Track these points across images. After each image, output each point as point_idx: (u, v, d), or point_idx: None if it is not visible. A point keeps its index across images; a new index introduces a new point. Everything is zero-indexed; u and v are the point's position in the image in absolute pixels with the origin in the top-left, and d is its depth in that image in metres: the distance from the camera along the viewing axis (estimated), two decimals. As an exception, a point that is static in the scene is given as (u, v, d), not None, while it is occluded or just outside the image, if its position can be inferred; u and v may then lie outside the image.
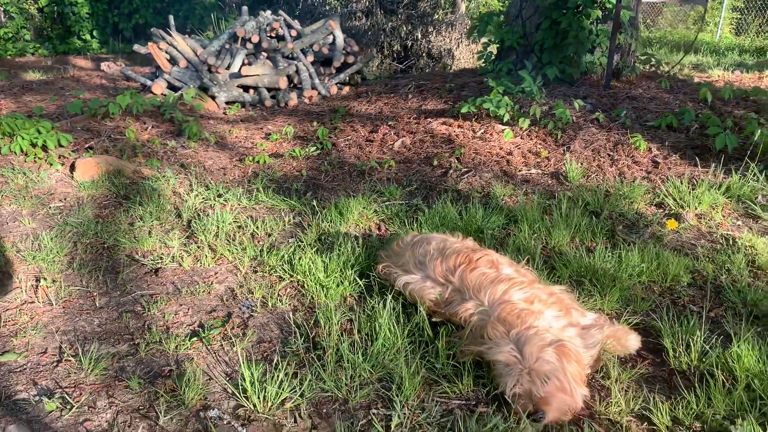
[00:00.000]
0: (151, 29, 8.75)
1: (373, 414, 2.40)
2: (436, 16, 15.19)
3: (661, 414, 2.36)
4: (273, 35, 8.74)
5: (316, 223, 4.19)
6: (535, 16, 6.94)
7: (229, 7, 17.59)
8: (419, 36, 14.27)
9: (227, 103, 8.01)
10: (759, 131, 4.93)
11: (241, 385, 2.51)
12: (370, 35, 13.38)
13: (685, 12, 24.88)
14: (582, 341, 2.67)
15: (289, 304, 3.24)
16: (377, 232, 4.16)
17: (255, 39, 8.37)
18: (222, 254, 3.77)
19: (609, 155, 5.33)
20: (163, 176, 5.05)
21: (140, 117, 6.74)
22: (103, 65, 12.61)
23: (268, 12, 9.22)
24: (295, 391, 2.50)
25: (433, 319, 2.94)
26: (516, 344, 2.50)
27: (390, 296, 3.00)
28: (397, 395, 2.47)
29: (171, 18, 9.30)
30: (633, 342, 2.80)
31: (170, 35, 8.54)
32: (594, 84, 6.76)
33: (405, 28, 14.03)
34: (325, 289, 3.27)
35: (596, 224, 4.11)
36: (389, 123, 6.38)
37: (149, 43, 8.18)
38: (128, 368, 2.70)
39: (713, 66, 12.09)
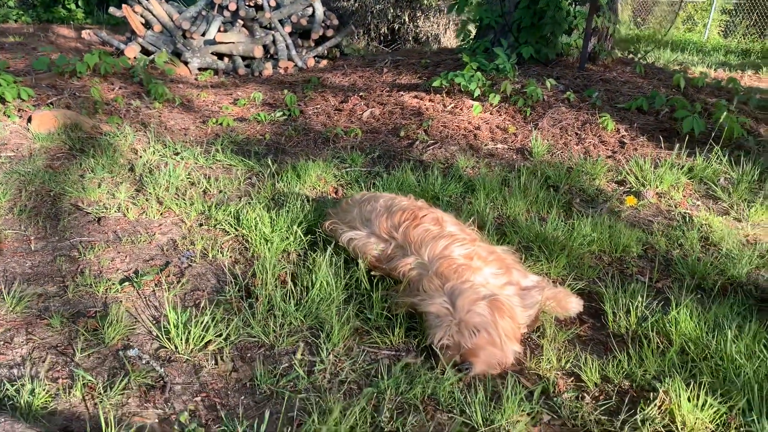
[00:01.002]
0: (127, -8, 8.56)
1: (298, 359, 2.34)
2: (426, 2, 15.05)
3: (591, 371, 2.32)
4: (251, 4, 8.59)
5: (271, 184, 4.11)
6: (514, -6, 6.86)
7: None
8: (406, 19, 14.13)
9: (200, 69, 7.87)
10: (724, 113, 4.90)
11: (165, 327, 2.44)
12: (357, 16, 13.23)
13: (674, 11, 24.93)
14: (520, 300, 2.62)
15: (231, 257, 3.16)
16: (333, 195, 4.09)
17: (232, 7, 8.23)
18: (169, 207, 3.68)
19: (576, 134, 5.29)
20: (122, 133, 4.93)
21: (109, 78, 6.60)
22: (84, 33, 12.37)
23: (249, -19, 9.05)
24: (221, 335, 2.43)
25: (373, 273, 2.88)
26: (449, 297, 2.45)
27: (330, 248, 2.94)
28: (325, 343, 2.41)
29: (149, -18, 9.10)
30: (574, 305, 2.76)
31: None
32: (569, 66, 6.71)
33: (393, 11, 13.89)
34: (268, 243, 3.20)
35: (554, 197, 4.06)
36: (360, 94, 6.29)
37: (123, 6, 8.01)
38: (53, 308, 2.61)
39: (697, 64, 12.11)
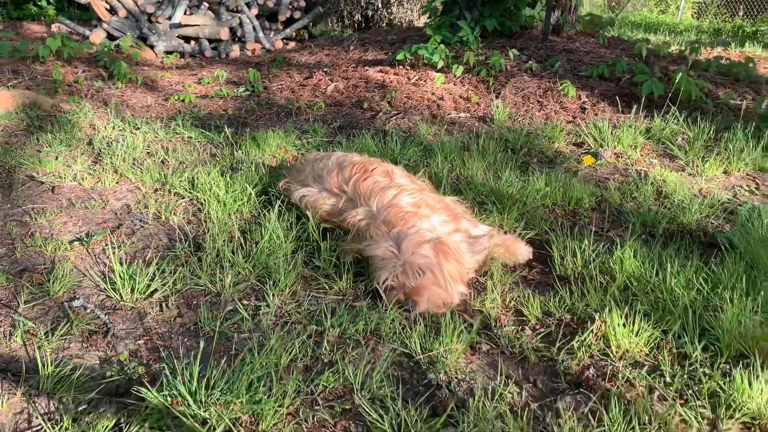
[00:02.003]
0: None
1: (243, 304, 2.35)
2: (399, -12, 15.02)
3: (533, 306, 2.36)
4: (218, -12, 8.54)
5: (230, 153, 4.10)
6: (477, -31, 6.88)
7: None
8: (380, 5, 14.10)
9: (166, 52, 7.81)
10: (680, 75, 4.97)
11: (111, 279, 2.44)
12: (330, 4, 13.18)
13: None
14: (468, 246, 2.65)
15: (184, 218, 3.16)
16: (293, 163, 4.09)
17: (198, -10, 8.18)
18: (125, 175, 3.66)
19: (538, 101, 5.33)
20: (82, 111, 4.89)
21: (73, 62, 6.55)
22: (54, 26, 12.22)
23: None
24: (167, 285, 2.44)
25: (324, 226, 2.90)
26: (395, 241, 2.47)
27: (279, 202, 2.96)
28: (272, 289, 2.42)
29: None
30: (523, 251, 2.79)
31: (111, -15, 8.27)
32: (533, 38, 6.75)
33: (366, -2, 13.83)
34: (222, 204, 3.20)
35: (512, 158, 4.10)
36: (325, 70, 6.29)
37: (87, -9, 7.93)
38: (0, 266, 2.60)
39: (673, 45, 12.20)
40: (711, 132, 4.49)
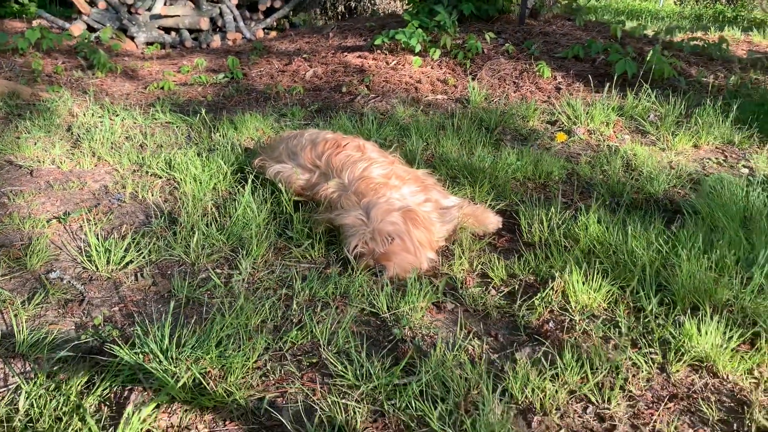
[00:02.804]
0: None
1: (217, 272, 2.41)
2: (381, -22, 15.04)
3: (498, 269, 2.44)
4: (198, -22, 8.54)
5: (208, 135, 4.16)
6: (454, -46, 6.94)
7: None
8: (363, -5, 14.12)
9: (147, 43, 7.82)
10: (651, 52, 5.06)
11: (87, 252, 2.50)
12: (313, -6, 13.16)
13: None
14: (439, 216, 2.73)
15: (161, 197, 3.21)
16: (267, 142, 4.15)
17: (178, -19, 8.18)
18: (103, 158, 3.71)
19: (514, 83, 5.41)
20: (61, 99, 4.92)
21: (53, 54, 6.56)
22: (35, 22, 12.15)
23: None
24: (142, 256, 2.50)
25: (296, 199, 2.96)
26: (365, 210, 2.54)
27: (252, 177, 3.02)
28: (244, 259, 2.49)
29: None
30: (492, 220, 2.87)
31: (90, -23, 8.26)
32: (511, 22, 6.83)
33: (350, -14, 13.84)
34: (198, 182, 3.26)
35: (486, 136, 4.18)
36: (305, 56, 6.33)
37: (65, -17, 7.90)
38: (-23, 244, 2.65)
39: (649, 29, 12.29)
40: (683, 108, 4.58)
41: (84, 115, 4.56)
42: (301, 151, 3.12)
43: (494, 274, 2.42)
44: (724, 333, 1.95)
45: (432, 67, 5.77)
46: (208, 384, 1.73)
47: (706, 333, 1.91)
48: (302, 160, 3.08)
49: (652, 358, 1.90)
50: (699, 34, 11.52)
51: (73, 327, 2.08)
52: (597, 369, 1.83)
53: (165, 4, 8.02)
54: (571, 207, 3.14)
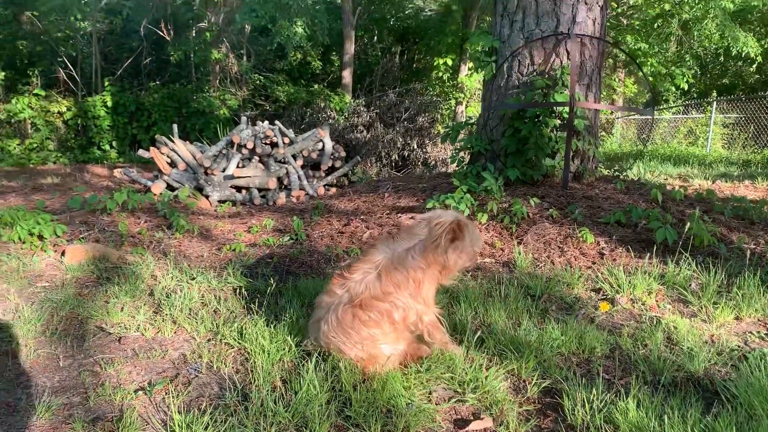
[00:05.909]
0: (156, 135, 9.55)
1: (283, 452, 2.68)
2: (434, 130, 16.17)
3: (541, 456, 2.62)
4: (267, 142, 9.49)
5: (275, 302, 4.56)
6: (500, 125, 7.60)
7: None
8: (415, 146, 15.16)
9: (220, 201, 8.61)
10: (689, 223, 5.33)
11: (171, 427, 2.82)
12: (369, 146, 14.24)
13: (675, 127, 26.14)
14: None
15: (233, 367, 3.56)
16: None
17: (250, 145, 9.11)
18: (182, 326, 4.13)
19: (559, 247, 5.73)
20: (144, 262, 5.49)
21: (136, 213, 7.32)
22: (115, 172, 13.45)
23: (266, 122, 10.06)
24: (218, 433, 2.80)
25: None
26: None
27: (315, 354, 3.34)
28: (308, 438, 2.76)
29: (175, 126, 10.17)
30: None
31: (173, 141, 9.31)
32: (554, 185, 7.28)
33: (402, 140, 14.94)
34: (267, 353, 3.60)
35: (532, 305, 4.44)
36: (362, 217, 6.88)
37: (151, 148, 8.93)
38: (76, 415, 3.01)
39: (697, 176, 12.59)
40: (723, 277, 4.77)
41: (164, 278, 5.08)
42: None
43: (538, 461, 2.60)
44: None
45: (480, 231, 6.17)
46: None
47: None
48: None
49: None
50: (747, 182, 11.77)
51: (159, 505, 2.35)
52: None
53: (238, 166, 8.89)
54: (614, 387, 3.31)
